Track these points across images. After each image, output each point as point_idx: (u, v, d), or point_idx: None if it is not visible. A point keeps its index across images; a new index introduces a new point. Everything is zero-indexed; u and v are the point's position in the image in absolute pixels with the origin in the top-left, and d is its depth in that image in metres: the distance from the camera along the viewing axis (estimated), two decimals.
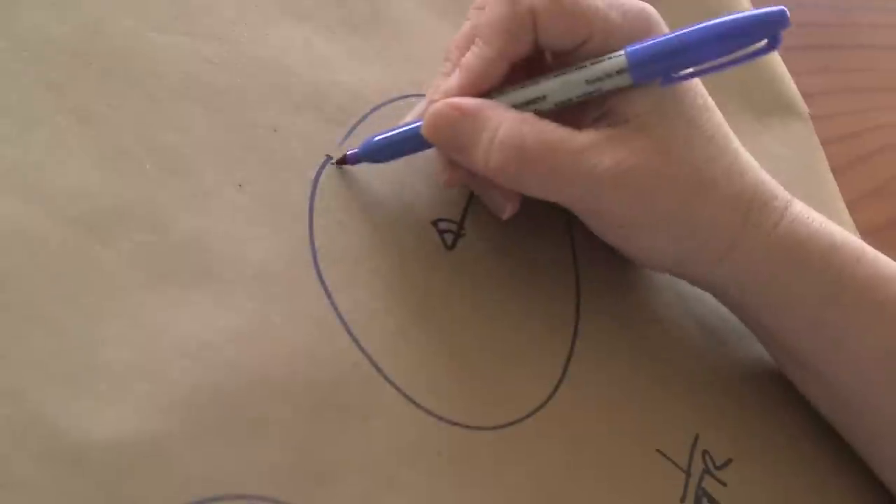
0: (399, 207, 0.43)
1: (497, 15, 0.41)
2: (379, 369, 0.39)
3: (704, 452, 0.45)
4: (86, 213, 0.35)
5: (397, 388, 0.39)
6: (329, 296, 0.39)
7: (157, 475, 0.32)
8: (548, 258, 0.46)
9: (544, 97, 0.41)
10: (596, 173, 0.40)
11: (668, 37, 0.40)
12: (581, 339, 0.45)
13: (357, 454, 0.37)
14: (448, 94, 0.42)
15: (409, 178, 0.44)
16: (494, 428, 0.40)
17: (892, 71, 0.73)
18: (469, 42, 0.43)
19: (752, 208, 0.43)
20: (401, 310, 0.41)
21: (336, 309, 0.39)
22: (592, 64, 0.41)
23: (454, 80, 0.42)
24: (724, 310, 0.49)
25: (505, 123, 0.40)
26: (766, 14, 0.39)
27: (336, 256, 0.40)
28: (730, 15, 0.39)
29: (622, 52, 0.40)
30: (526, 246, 0.46)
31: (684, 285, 0.49)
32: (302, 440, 0.36)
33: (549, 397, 0.42)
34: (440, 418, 0.39)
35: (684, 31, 0.40)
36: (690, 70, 0.41)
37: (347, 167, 0.43)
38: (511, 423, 0.41)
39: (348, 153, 0.43)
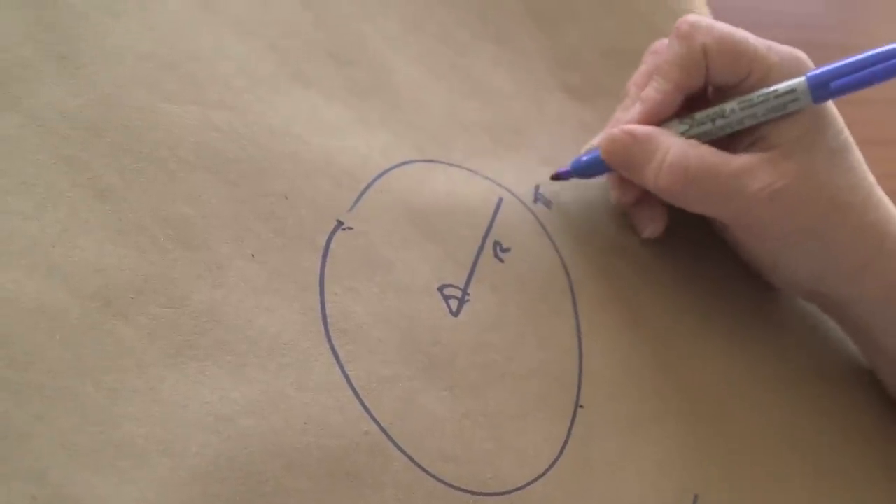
0: (406, 273, 0.43)
1: (674, 53, 0.48)
2: (389, 437, 0.39)
3: None
4: (103, 289, 0.36)
5: (407, 456, 0.39)
6: (340, 365, 0.39)
7: None
8: (551, 324, 0.47)
9: (724, 114, 0.48)
10: (749, 192, 0.46)
11: (847, 60, 0.46)
12: (583, 402, 0.45)
13: None
14: (630, 123, 0.49)
15: (415, 242, 0.44)
16: (502, 493, 0.41)
17: (884, 123, 0.74)
18: (646, 80, 0.50)
19: (886, 238, 0.49)
20: (409, 376, 0.41)
21: (347, 378, 0.39)
22: (769, 88, 0.47)
23: (635, 110, 0.50)
24: (719, 375, 0.50)
25: (673, 148, 0.47)
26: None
27: (347, 325, 0.40)
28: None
29: (802, 77, 0.46)
30: (529, 311, 0.46)
31: (682, 353, 0.50)
32: None
33: (555, 461, 0.43)
34: (449, 485, 0.39)
35: (862, 55, 0.46)
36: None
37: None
38: (519, 488, 0.41)
39: (560, 170, 0.52)
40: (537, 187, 0.51)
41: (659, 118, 0.49)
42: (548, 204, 0.51)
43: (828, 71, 0.46)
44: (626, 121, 0.50)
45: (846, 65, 0.46)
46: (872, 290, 0.50)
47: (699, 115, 0.49)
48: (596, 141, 0.52)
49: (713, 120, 0.48)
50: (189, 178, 0.40)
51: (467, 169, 0.49)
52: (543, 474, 0.42)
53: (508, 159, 0.51)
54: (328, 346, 0.39)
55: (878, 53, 0.45)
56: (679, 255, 0.54)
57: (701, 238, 0.55)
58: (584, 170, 0.51)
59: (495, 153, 0.51)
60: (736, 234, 0.51)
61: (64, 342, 0.34)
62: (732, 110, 0.48)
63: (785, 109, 0.46)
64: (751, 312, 0.55)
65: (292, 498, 0.36)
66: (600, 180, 0.53)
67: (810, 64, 0.48)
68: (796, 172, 0.46)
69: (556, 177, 0.52)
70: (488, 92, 0.53)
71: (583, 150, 0.52)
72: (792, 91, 0.46)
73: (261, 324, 0.38)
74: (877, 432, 0.55)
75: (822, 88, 0.46)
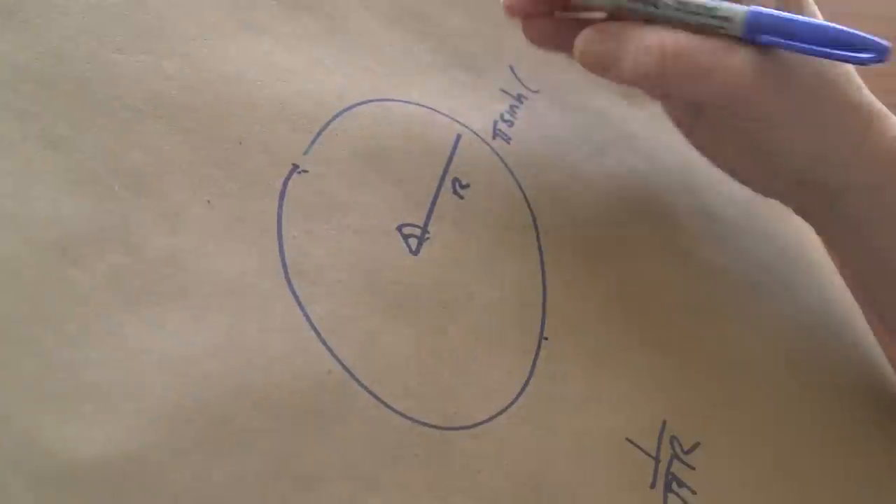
0: (364, 214, 0.44)
1: None
2: (352, 375, 0.39)
3: (672, 438, 0.46)
4: (59, 239, 0.35)
5: (371, 393, 0.39)
6: (301, 306, 0.40)
7: (146, 491, 0.33)
8: (514, 258, 0.47)
9: (656, 4, 0.46)
10: (731, 65, 0.45)
11: (789, 17, 0.45)
12: (547, 335, 0.46)
13: (337, 459, 0.37)
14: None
15: (373, 183, 0.45)
16: (467, 427, 0.41)
17: None
18: None
19: (873, 117, 0.48)
20: (370, 316, 0.41)
21: (308, 318, 0.39)
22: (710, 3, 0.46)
23: None
24: (684, 304, 0.51)
25: (647, 31, 0.46)
26: (875, 44, 0.43)
27: (305, 266, 0.41)
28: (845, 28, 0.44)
29: (746, 8, 0.45)
30: (491, 246, 0.47)
31: (646, 282, 0.50)
32: (283, 448, 0.36)
33: (519, 394, 0.43)
34: (414, 420, 0.40)
35: (806, 20, 0.45)
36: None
37: None
38: (483, 422, 0.42)
39: None
40: (496, 123, 0.51)
41: None
42: (507, 139, 0.51)
43: (773, 19, 0.45)
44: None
45: (801, 24, 0.44)
46: (864, 175, 0.49)
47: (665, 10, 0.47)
48: None
49: (645, 4, 0.47)
50: (142, 127, 0.40)
51: (424, 106, 0.49)
52: (508, 407, 0.43)
53: (466, 97, 0.51)
54: (288, 288, 0.40)
55: (845, 35, 0.44)
56: (640, 187, 0.54)
57: (665, 167, 0.56)
58: None
59: (452, 91, 0.51)
60: (723, 121, 0.50)
61: (21, 293, 0.34)
62: (666, 5, 0.46)
63: (715, 31, 0.45)
64: (714, 243, 0.55)
65: (259, 437, 0.36)
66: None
67: None
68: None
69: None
70: (444, 31, 0.53)
71: None
72: (727, 19, 0.45)
73: (220, 268, 0.38)
74: (850, 359, 0.56)
75: (755, 31, 0.45)
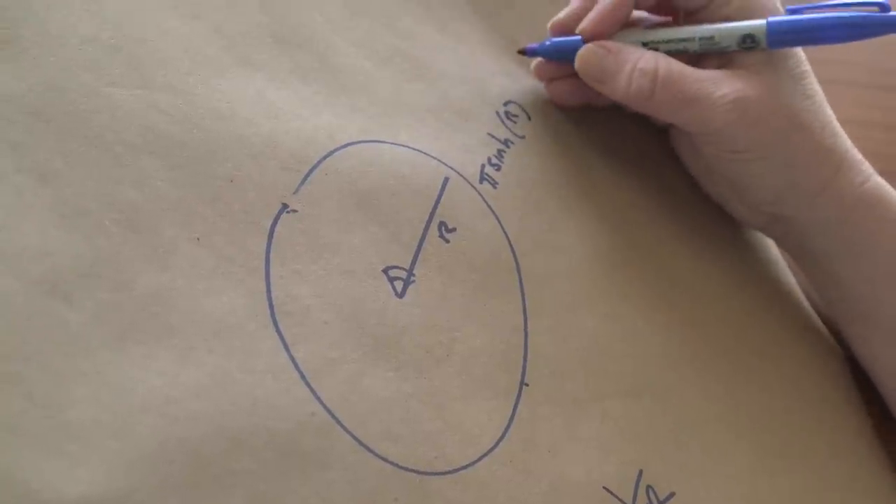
0: (351, 255, 0.44)
1: None
2: (335, 418, 0.39)
3: (648, 487, 0.47)
4: (48, 273, 0.35)
5: (353, 437, 0.39)
6: (286, 347, 0.40)
7: None
8: (497, 303, 0.47)
9: (692, 38, 0.53)
10: (713, 98, 0.50)
11: (806, 18, 0.50)
12: (528, 381, 0.46)
13: (318, 503, 0.37)
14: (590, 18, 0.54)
15: (361, 224, 0.45)
16: (447, 473, 0.41)
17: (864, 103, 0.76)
18: None
19: (843, 164, 0.52)
20: (354, 358, 0.41)
21: (293, 359, 0.39)
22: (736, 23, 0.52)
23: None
24: (664, 352, 0.51)
25: (644, 57, 0.52)
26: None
27: (292, 307, 0.41)
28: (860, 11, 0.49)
29: (763, 21, 0.51)
30: (475, 291, 0.47)
31: (627, 330, 0.51)
32: (265, 491, 0.36)
33: (500, 439, 0.43)
34: (395, 465, 0.40)
35: (820, 15, 0.50)
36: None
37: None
38: (464, 467, 0.42)
39: (529, 46, 0.58)
40: (483, 167, 0.52)
41: (616, 17, 0.54)
42: (494, 184, 0.51)
43: (790, 23, 0.50)
44: (589, 18, 0.54)
45: (818, 22, 0.49)
46: (831, 212, 0.53)
47: (662, 46, 0.54)
48: (562, 14, 0.56)
49: (676, 44, 0.53)
50: (135, 162, 0.40)
51: (413, 149, 0.49)
52: (488, 453, 0.43)
53: (454, 140, 0.52)
54: (274, 329, 0.40)
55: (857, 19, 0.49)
56: (624, 234, 0.55)
57: (646, 217, 0.56)
58: (554, 52, 0.57)
59: (441, 135, 0.51)
60: (702, 149, 0.54)
61: (9, 327, 0.34)
62: (692, 41, 0.53)
63: (743, 46, 0.51)
64: (693, 291, 0.56)
65: (240, 479, 0.36)
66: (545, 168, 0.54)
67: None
68: (758, 87, 0.50)
69: (523, 52, 0.58)
70: (432, 75, 0.54)
71: (548, 25, 0.57)
72: (752, 37, 0.51)
73: (207, 307, 0.38)
74: (823, 407, 0.56)
75: (778, 42, 0.50)
